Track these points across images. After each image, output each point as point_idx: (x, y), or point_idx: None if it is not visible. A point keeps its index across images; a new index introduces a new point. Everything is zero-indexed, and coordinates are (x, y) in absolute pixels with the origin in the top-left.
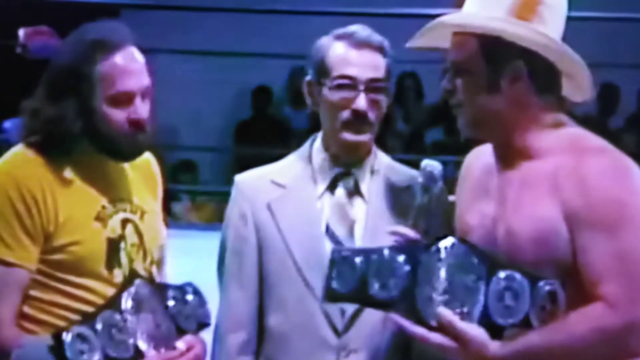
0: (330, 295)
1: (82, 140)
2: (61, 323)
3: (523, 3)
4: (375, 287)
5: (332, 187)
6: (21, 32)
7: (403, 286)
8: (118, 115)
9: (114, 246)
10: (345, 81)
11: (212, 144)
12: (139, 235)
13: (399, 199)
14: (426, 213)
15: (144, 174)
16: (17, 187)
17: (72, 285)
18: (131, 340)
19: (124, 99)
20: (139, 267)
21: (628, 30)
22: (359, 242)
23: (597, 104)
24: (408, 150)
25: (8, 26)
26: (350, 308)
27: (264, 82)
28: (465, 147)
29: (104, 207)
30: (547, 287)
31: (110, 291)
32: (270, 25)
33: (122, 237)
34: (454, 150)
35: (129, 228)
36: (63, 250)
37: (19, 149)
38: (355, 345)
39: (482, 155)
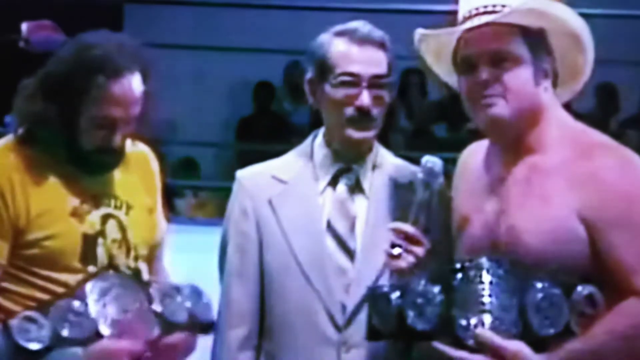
0: (372, 334)
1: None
2: None
3: None
4: (412, 317)
5: (333, 183)
6: (24, 26)
7: (440, 313)
8: (96, 135)
9: (90, 242)
10: (349, 78)
11: (213, 140)
12: (122, 230)
13: (400, 195)
14: (427, 209)
15: (138, 167)
16: None
17: (47, 280)
18: (89, 324)
19: (106, 124)
20: (121, 263)
21: (629, 27)
22: (359, 238)
23: (597, 103)
24: (412, 147)
25: (11, 20)
26: (351, 303)
27: (264, 78)
28: (469, 144)
29: (82, 202)
30: (585, 292)
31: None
32: (270, 20)
33: (100, 232)
34: (457, 146)
35: (111, 223)
36: (36, 245)
37: (5, 140)
38: (356, 341)
39: (478, 152)
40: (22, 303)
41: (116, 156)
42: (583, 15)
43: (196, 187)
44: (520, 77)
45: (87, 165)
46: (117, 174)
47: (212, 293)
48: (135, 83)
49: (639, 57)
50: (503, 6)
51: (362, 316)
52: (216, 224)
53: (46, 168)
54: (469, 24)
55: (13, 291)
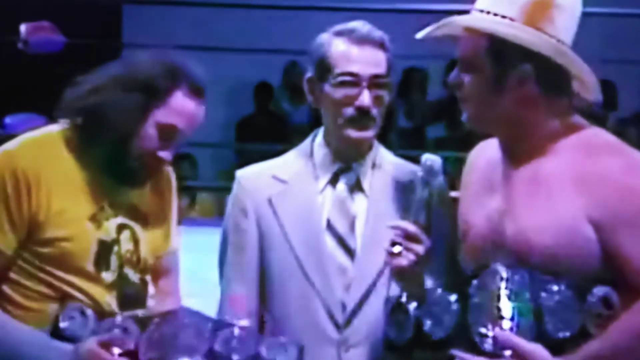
0: (389, 345)
1: (109, 139)
2: (49, 314)
3: (535, 5)
4: (430, 325)
5: (333, 183)
6: (23, 28)
7: (457, 322)
8: (153, 141)
9: (105, 248)
10: (348, 78)
11: (212, 140)
12: (135, 242)
13: (400, 194)
14: (426, 207)
15: (160, 183)
16: (14, 170)
17: (58, 279)
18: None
19: (168, 133)
20: (130, 272)
21: (630, 26)
22: (359, 236)
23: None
24: (410, 146)
25: (9, 22)
26: (351, 302)
27: (263, 78)
28: (467, 143)
29: (102, 209)
30: (600, 294)
31: (96, 290)
32: (271, 20)
33: (115, 241)
34: (455, 146)
35: (125, 234)
36: (51, 244)
37: (52, 129)
38: (356, 340)
39: (486, 150)
40: (32, 297)
41: (152, 173)
42: (582, 14)
43: (195, 187)
44: (474, 85)
45: (122, 174)
46: (141, 187)
47: (212, 293)
48: (203, 105)
49: (638, 56)
50: (495, 14)
51: (363, 315)
52: (215, 224)
53: (77, 168)
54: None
55: (24, 285)
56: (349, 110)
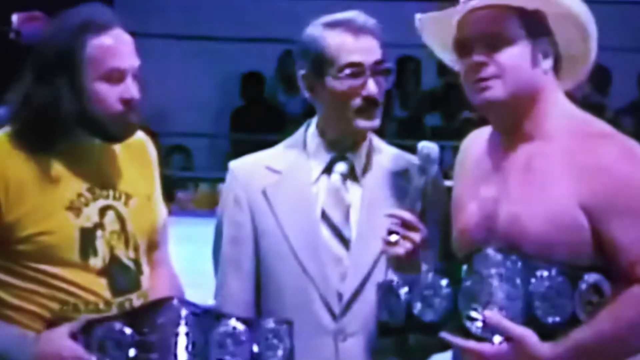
0: (382, 328)
1: (71, 126)
2: (42, 311)
3: None
4: (420, 309)
5: (327, 172)
6: (14, 18)
7: (448, 306)
8: (109, 92)
9: (88, 235)
10: (353, 69)
11: (205, 130)
12: (121, 221)
13: (394, 183)
14: (423, 195)
15: (137, 155)
16: None
17: (44, 274)
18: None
19: (116, 77)
20: (121, 254)
21: (624, 14)
22: (354, 226)
23: (590, 86)
24: (408, 135)
25: (1, 12)
26: (347, 292)
27: (256, 68)
28: (463, 132)
29: (79, 195)
30: (591, 280)
31: (86, 279)
32: (263, 9)
33: (99, 225)
34: (451, 135)
35: (109, 215)
36: (29, 241)
37: (6, 130)
38: (353, 329)
39: (480, 139)
40: (23, 297)
41: (135, 116)
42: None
43: (191, 178)
44: (515, 57)
45: (110, 134)
46: (116, 164)
47: (208, 284)
48: (124, 35)
49: (634, 44)
50: None
51: (359, 305)
52: (210, 216)
53: (43, 160)
54: (462, 6)
55: (16, 286)
56: (357, 101)
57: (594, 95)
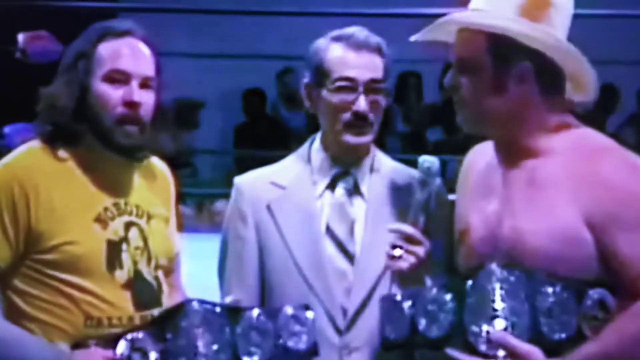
0: (385, 344)
1: (87, 133)
2: (62, 324)
3: (533, 3)
4: (425, 324)
5: (331, 187)
6: (20, 37)
7: (452, 321)
8: (112, 93)
9: (114, 248)
10: (345, 83)
11: (210, 147)
12: (144, 239)
13: (398, 198)
14: (425, 208)
15: (154, 179)
16: (9, 181)
17: (71, 285)
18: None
19: (118, 78)
20: (144, 270)
21: (629, 27)
22: (359, 241)
23: (596, 103)
24: (411, 150)
25: (7, 31)
26: (352, 306)
27: (259, 84)
28: (464, 147)
29: (106, 209)
30: (596, 296)
31: (111, 292)
32: (265, 26)
33: (124, 239)
34: (453, 149)
35: (133, 231)
36: (57, 250)
37: (30, 144)
38: (358, 344)
39: (483, 153)
40: (43, 308)
41: (140, 130)
42: (581, 16)
43: (196, 195)
44: (475, 85)
45: (113, 142)
46: (138, 184)
47: (213, 299)
48: (140, 44)
49: (636, 57)
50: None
51: (363, 319)
52: (215, 231)
53: (75, 170)
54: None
55: (34, 295)
56: (346, 116)
57: (595, 110)
